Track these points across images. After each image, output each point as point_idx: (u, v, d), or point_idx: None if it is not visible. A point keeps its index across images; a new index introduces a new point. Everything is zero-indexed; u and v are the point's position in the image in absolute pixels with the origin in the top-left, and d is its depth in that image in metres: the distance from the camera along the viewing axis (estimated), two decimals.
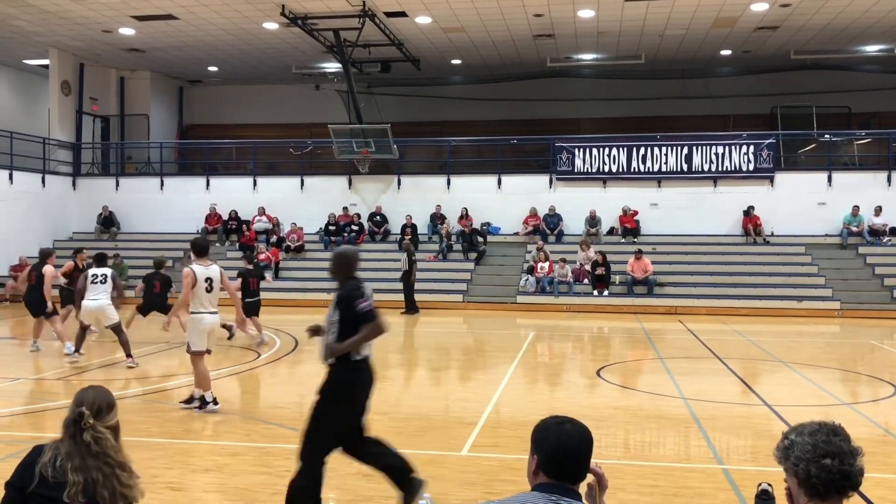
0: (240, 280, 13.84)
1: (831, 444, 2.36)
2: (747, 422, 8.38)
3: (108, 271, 11.57)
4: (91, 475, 2.97)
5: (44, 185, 24.32)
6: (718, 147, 22.89)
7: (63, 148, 25.79)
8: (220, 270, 8.54)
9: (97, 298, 11.28)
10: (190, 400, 8.47)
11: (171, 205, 25.12)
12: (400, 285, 19.53)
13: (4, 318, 18.61)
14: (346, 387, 5.00)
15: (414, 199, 24.14)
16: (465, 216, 23.43)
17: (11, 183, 22.94)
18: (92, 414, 3.06)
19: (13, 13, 20.91)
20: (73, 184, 25.78)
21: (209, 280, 8.31)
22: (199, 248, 8.39)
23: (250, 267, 14.54)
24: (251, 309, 13.71)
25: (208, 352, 8.51)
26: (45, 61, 25.56)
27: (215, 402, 8.32)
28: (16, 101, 27.92)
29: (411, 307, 19.31)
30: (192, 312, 8.31)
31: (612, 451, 7.09)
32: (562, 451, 2.51)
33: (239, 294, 11.55)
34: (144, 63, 26.91)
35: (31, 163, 24.10)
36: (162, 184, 25.52)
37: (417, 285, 19.75)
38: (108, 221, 25.07)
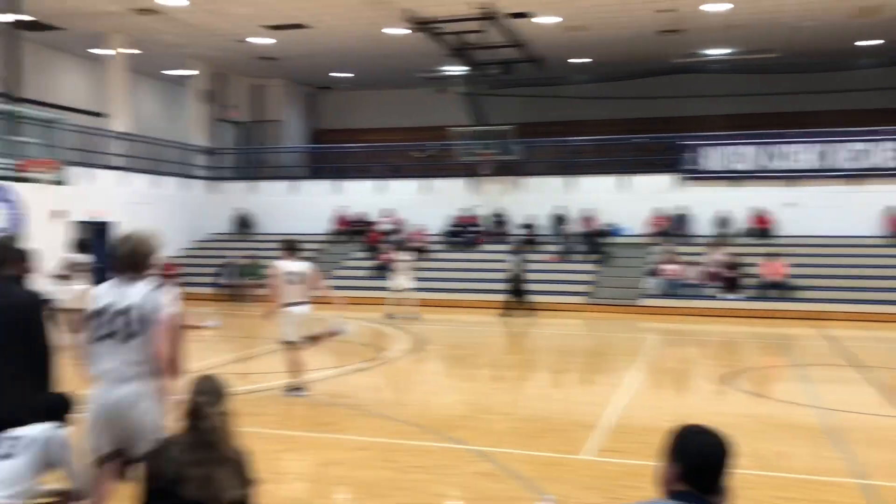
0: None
1: None
2: (889, 435, 7.90)
3: None
4: (208, 469, 3.03)
5: (184, 189, 25.80)
6: (859, 143, 21.63)
7: (201, 153, 27.31)
8: (307, 266, 9.28)
9: None
10: (291, 388, 9.12)
11: (303, 207, 26.06)
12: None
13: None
14: None
15: (535, 199, 24.05)
16: (587, 217, 23.14)
17: (157, 187, 24.46)
18: (211, 402, 3.14)
19: (160, 28, 22.31)
20: (211, 187, 27.21)
21: (293, 275, 9.05)
22: (287, 246, 9.25)
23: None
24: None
25: (315, 340, 9.32)
26: (185, 72, 27.13)
27: (300, 389, 9.02)
28: (159, 110, 29.73)
29: (522, 307, 19.04)
30: (282, 306, 9.07)
31: (742, 460, 6.84)
32: (706, 460, 2.59)
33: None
34: (277, 71, 28.10)
35: (173, 167, 25.65)
36: (294, 187, 26.54)
37: (538, 286, 19.60)
38: (242, 223, 26.35)
